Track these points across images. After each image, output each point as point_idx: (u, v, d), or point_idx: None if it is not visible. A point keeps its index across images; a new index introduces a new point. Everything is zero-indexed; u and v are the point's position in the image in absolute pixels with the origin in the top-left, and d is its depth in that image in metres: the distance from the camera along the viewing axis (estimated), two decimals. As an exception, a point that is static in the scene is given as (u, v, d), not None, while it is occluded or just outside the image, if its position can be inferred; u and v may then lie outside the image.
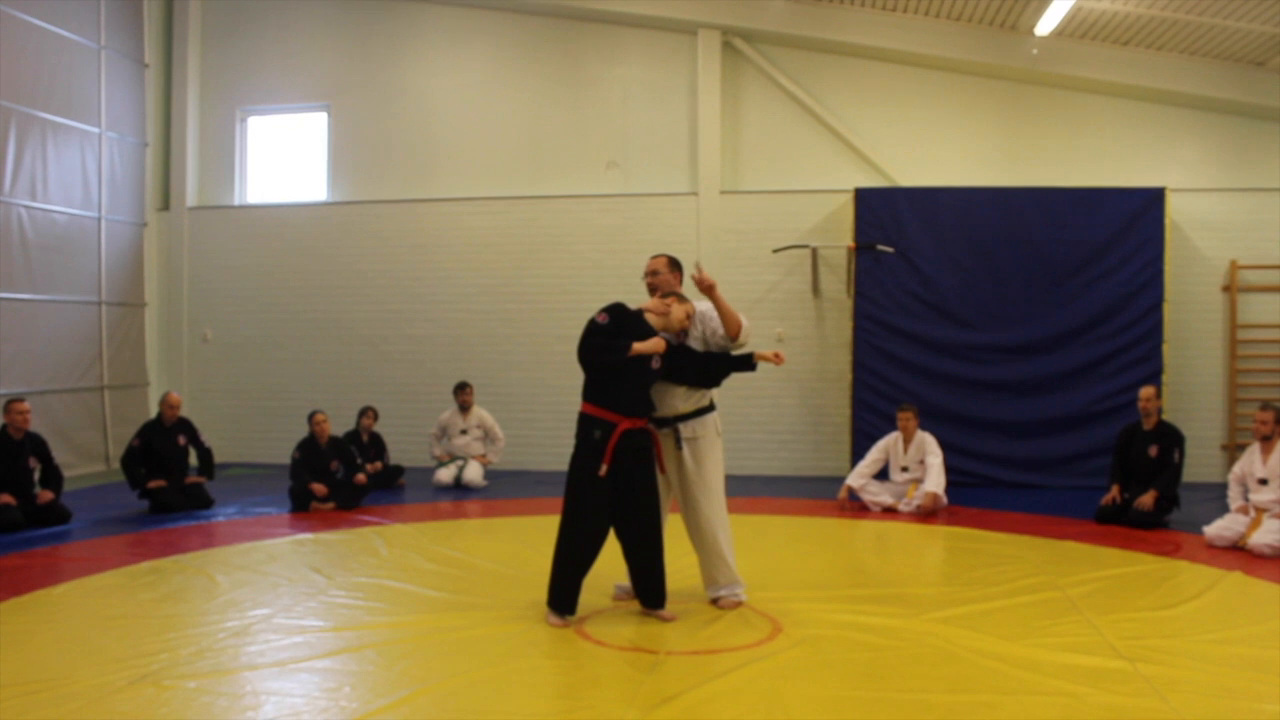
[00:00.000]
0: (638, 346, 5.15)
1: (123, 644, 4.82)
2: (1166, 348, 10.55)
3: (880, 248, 10.87)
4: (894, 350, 10.89)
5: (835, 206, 11.44)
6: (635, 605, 5.48)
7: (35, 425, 8.57)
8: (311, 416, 9.34)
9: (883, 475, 9.30)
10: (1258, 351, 10.99)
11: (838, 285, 11.45)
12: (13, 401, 8.34)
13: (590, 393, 5.29)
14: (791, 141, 11.92)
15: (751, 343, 5.63)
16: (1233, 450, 10.67)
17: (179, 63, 12.88)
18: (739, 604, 5.55)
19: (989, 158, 11.64)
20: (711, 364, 5.52)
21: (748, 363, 5.67)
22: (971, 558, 7.07)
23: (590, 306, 5.57)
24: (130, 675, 4.35)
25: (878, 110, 11.82)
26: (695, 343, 5.55)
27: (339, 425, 9.96)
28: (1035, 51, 11.13)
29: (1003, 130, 11.69)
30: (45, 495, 8.24)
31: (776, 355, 5.68)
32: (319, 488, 8.93)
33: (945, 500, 8.96)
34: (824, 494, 9.83)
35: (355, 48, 12.71)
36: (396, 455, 10.89)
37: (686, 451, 5.49)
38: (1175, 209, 10.73)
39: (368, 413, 10.58)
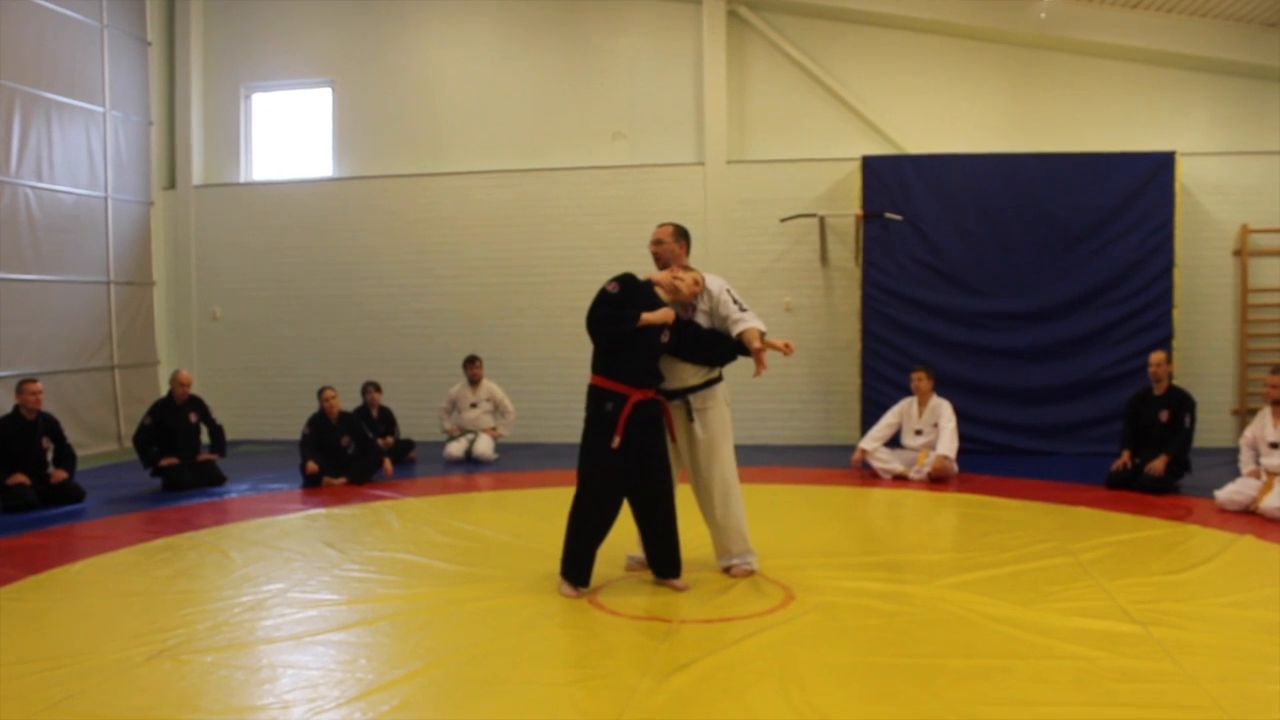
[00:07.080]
0: (647, 317, 5.14)
1: (140, 620, 4.85)
2: (1177, 313, 10.49)
3: (888, 216, 10.81)
4: (903, 318, 10.86)
5: (843, 175, 11.37)
6: (648, 575, 5.51)
7: (47, 405, 8.59)
8: (321, 392, 9.35)
9: (894, 443, 9.31)
10: (1269, 316, 10.91)
11: (846, 254, 11.40)
12: (25, 382, 8.36)
13: (600, 365, 5.27)
14: (798, 110, 11.85)
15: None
16: (1244, 415, 10.63)
17: (181, 40, 12.82)
18: (751, 572, 5.56)
19: (997, 124, 11.56)
20: (718, 345, 5.47)
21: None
22: (983, 524, 7.07)
23: (598, 278, 5.55)
24: (148, 650, 4.38)
25: (884, 77, 11.73)
26: (702, 316, 5.50)
27: (349, 401, 9.98)
28: (1043, 15, 11.01)
29: (1011, 96, 11.59)
30: (59, 475, 8.27)
31: (786, 345, 5.38)
32: (312, 466, 8.96)
33: (956, 468, 8.96)
34: (834, 463, 9.85)
35: (359, 22, 12.63)
36: (407, 430, 10.90)
37: (697, 422, 5.48)
38: (1186, 173, 10.64)
39: (370, 388, 10.56)
